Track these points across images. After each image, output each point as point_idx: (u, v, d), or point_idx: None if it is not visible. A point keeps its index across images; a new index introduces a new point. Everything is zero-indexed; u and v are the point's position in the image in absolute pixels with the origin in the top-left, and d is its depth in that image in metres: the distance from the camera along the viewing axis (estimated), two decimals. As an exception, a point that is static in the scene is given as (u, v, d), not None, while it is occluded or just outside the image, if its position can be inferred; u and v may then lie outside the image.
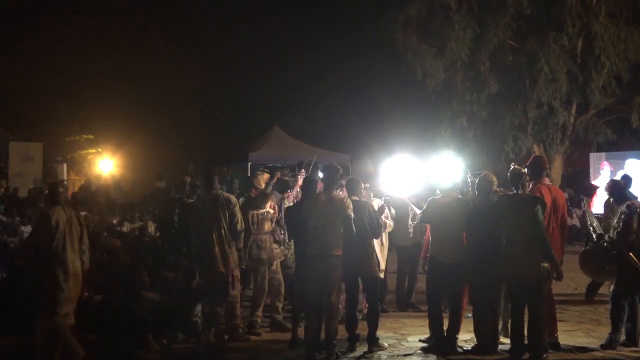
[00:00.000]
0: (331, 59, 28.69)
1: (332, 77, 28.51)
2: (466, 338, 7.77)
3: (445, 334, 7.44)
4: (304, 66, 29.61)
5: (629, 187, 9.73)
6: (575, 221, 17.42)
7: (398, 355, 7.40)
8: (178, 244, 9.67)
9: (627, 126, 20.86)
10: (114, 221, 13.70)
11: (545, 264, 6.91)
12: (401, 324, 8.97)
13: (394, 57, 21.55)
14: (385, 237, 8.85)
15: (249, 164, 19.01)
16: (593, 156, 20.63)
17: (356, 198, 7.69)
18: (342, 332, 7.58)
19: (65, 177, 24.97)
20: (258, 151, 19.91)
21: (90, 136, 28.78)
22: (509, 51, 20.13)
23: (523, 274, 6.90)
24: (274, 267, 8.75)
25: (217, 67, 30.94)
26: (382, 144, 17.87)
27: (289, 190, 9.11)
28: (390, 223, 8.70)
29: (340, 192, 7.83)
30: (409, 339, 8.11)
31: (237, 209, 7.86)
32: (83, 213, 13.87)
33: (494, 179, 7.62)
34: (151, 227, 13.22)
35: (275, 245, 8.65)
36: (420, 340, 7.88)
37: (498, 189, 7.72)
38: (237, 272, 7.97)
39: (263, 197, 8.53)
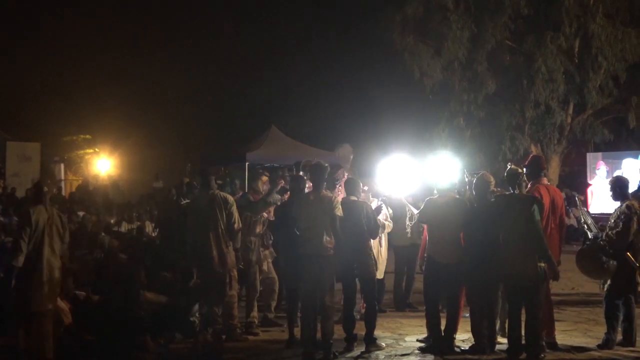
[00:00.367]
0: (329, 58, 28.75)
1: (330, 77, 28.51)
2: (464, 338, 7.79)
3: (443, 334, 7.44)
4: (302, 66, 29.61)
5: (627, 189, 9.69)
6: (573, 221, 17.42)
7: (396, 355, 7.41)
8: (176, 243, 9.66)
9: (624, 126, 20.88)
10: (112, 221, 13.73)
11: (542, 264, 6.92)
12: (399, 324, 8.98)
13: (392, 57, 21.53)
14: (384, 239, 8.87)
15: (247, 164, 18.96)
16: (590, 156, 20.67)
17: (354, 198, 7.70)
18: (339, 332, 7.59)
19: (62, 177, 25.02)
20: (255, 151, 19.83)
21: (88, 136, 28.72)
22: (506, 51, 20.15)
23: (520, 274, 6.90)
24: (264, 268, 8.78)
25: (215, 67, 30.93)
26: (380, 144, 17.85)
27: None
28: (389, 224, 8.71)
29: (335, 191, 7.81)
30: (407, 339, 8.13)
31: (235, 209, 7.83)
32: (80, 213, 13.93)
33: (491, 179, 7.63)
34: (149, 227, 13.24)
35: (262, 248, 8.68)
36: (417, 340, 7.89)
37: (495, 189, 7.74)
38: (234, 272, 7.96)
39: (264, 205, 8.46)
